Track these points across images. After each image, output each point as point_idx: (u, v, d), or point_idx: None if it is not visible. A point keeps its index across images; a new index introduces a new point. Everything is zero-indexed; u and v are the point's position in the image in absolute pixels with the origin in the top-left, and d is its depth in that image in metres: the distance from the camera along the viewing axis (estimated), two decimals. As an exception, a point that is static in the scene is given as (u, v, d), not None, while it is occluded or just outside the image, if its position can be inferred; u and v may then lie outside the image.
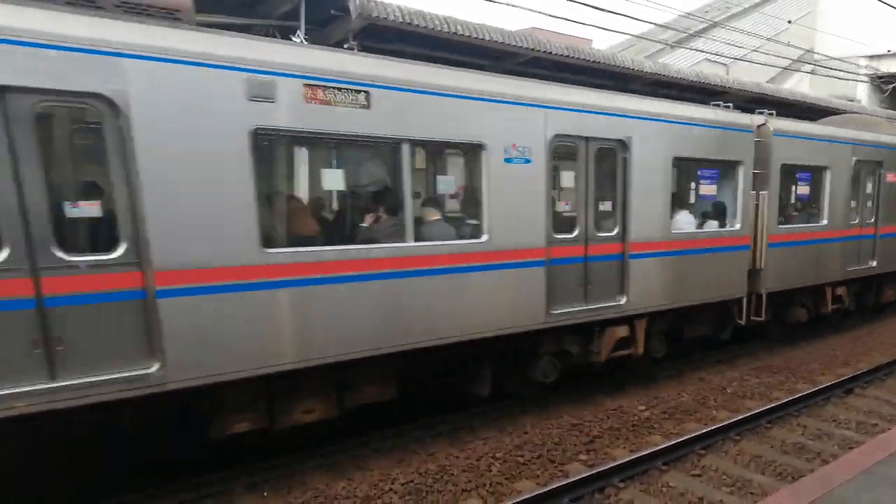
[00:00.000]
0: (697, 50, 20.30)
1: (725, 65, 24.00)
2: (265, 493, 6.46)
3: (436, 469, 6.95)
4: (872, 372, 10.48)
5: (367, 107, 6.22)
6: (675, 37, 22.61)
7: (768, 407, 8.60)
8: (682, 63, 20.98)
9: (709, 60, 22.59)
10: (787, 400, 8.88)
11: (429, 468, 6.97)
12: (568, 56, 12.63)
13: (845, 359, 11.68)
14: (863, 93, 27.26)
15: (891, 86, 26.26)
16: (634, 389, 9.73)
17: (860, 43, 25.80)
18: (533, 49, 11.98)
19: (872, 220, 13.28)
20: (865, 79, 26.79)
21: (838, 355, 11.92)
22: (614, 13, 13.13)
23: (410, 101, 6.53)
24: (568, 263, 8.11)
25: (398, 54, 8.14)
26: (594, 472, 6.61)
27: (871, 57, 26.61)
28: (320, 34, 10.22)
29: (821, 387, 9.53)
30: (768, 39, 21.65)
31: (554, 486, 6.27)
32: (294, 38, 9.17)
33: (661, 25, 19.85)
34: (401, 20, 10.02)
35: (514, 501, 5.98)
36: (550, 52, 12.26)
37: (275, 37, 9.26)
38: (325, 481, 6.70)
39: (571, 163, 8.28)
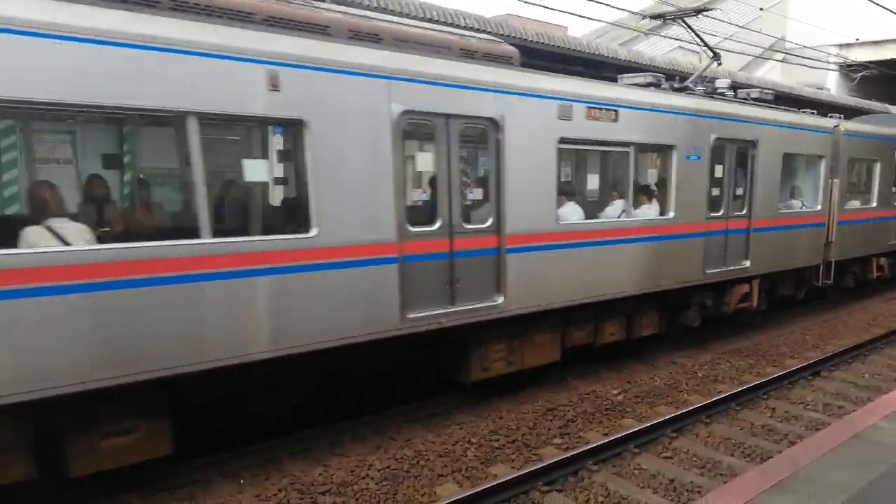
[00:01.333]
0: (671, 38, 20.41)
1: (698, 53, 24.16)
2: (241, 481, 6.46)
3: (412, 455, 7.00)
4: (840, 355, 10.72)
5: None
6: (649, 24, 22.72)
7: (738, 390, 8.77)
8: (655, 51, 21.11)
9: (682, 48, 22.75)
10: (756, 383, 9.06)
11: (405, 454, 7.01)
12: (542, 43, 12.66)
13: (814, 342, 11.94)
14: (832, 81, 27.66)
15: (859, 74, 26.66)
16: (608, 374, 9.86)
17: (830, 31, 26.14)
18: (508, 36, 11.99)
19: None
20: (835, 67, 27.15)
21: (807, 339, 12.17)
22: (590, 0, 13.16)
23: None
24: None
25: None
26: (568, 455, 6.70)
27: (841, 45, 27.00)
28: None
29: (789, 370, 9.74)
30: (741, 27, 21.84)
31: (528, 470, 6.35)
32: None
33: (635, 13, 19.93)
34: (375, 5, 9.97)
35: (489, 485, 6.05)
36: (525, 39, 12.28)
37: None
38: (302, 468, 6.72)
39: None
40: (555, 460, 6.58)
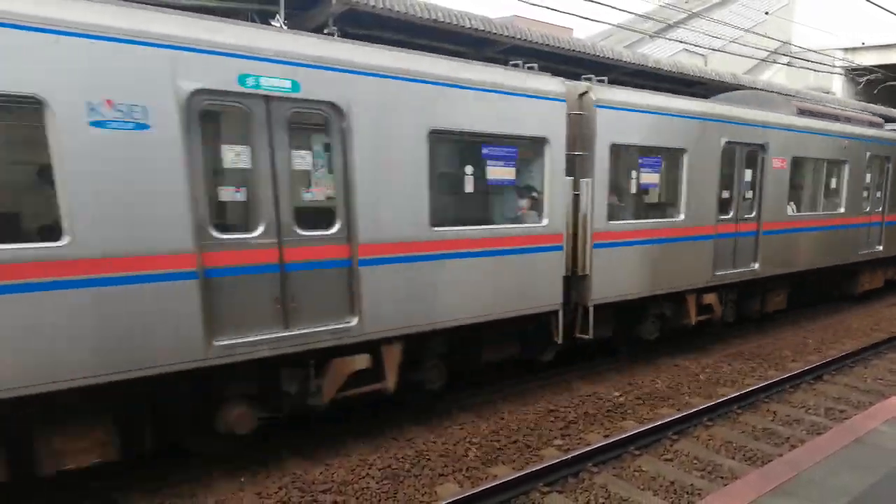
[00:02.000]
0: (676, 40, 20.43)
1: (703, 55, 24.19)
2: (242, 479, 6.49)
3: (413, 454, 7.01)
4: (841, 360, 10.70)
5: None
6: (654, 27, 22.73)
7: (740, 393, 8.76)
8: (660, 53, 21.11)
9: (687, 51, 22.76)
10: (758, 386, 9.05)
11: (406, 454, 7.03)
12: (547, 45, 12.67)
13: (816, 346, 11.92)
14: (838, 85, 27.62)
15: (865, 78, 26.62)
16: (610, 375, 9.87)
17: (836, 35, 26.11)
18: (513, 37, 12.00)
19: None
20: (841, 71, 27.12)
21: (809, 343, 12.15)
22: (596, 2, 13.18)
23: None
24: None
25: (376, 40, 8.09)
26: (568, 456, 6.71)
27: (847, 49, 26.96)
28: (300, 18, 10.17)
29: (791, 374, 9.72)
30: (746, 31, 21.84)
31: (529, 471, 6.36)
32: (273, 23, 9.10)
33: (641, 15, 19.95)
34: (381, 6, 9.99)
35: (490, 485, 6.06)
36: (530, 41, 12.29)
37: (253, 21, 9.19)
38: (304, 467, 6.74)
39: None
40: (555, 461, 6.58)
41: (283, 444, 7.13)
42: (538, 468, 6.43)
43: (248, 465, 6.73)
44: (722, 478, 6.63)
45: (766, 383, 9.21)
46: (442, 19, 10.83)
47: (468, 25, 11.24)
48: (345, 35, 7.48)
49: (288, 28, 8.23)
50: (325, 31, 7.00)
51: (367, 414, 7.89)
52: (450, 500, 5.78)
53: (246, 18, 9.40)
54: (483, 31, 11.49)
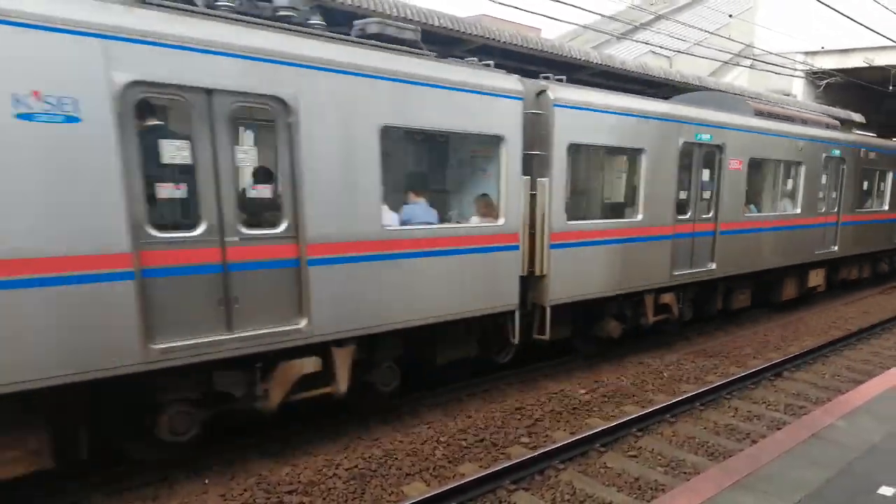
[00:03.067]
0: (642, 42, 20.68)
1: (669, 57, 24.51)
2: (206, 481, 6.42)
3: (380, 454, 7.00)
4: (801, 356, 10.96)
5: None
6: (621, 28, 22.98)
7: (703, 390, 8.92)
8: (627, 54, 21.36)
9: (653, 53, 23.05)
10: (720, 383, 9.23)
11: (373, 453, 7.01)
12: (515, 44, 12.73)
13: (776, 344, 12.18)
14: (798, 88, 28.18)
15: (824, 81, 27.22)
16: (577, 373, 9.97)
17: (797, 39, 26.65)
18: (482, 36, 12.04)
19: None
20: (801, 74, 27.69)
21: (770, 340, 12.42)
22: (563, 3, 13.27)
23: None
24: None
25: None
26: (535, 454, 6.76)
27: (807, 53, 27.50)
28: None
29: (752, 370, 9.93)
30: (710, 33, 22.18)
31: (496, 469, 6.40)
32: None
33: (608, 17, 20.13)
34: (350, 2, 9.95)
35: (457, 484, 6.08)
36: (499, 40, 12.34)
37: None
38: (269, 467, 6.69)
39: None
40: (522, 459, 6.63)
41: (249, 445, 7.06)
42: (505, 466, 6.47)
43: (212, 466, 6.66)
44: (685, 473, 6.75)
45: (727, 380, 9.40)
46: (410, 17, 10.82)
47: (436, 24, 11.25)
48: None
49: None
50: None
51: (334, 414, 7.86)
52: (417, 500, 5.78)
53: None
54: (452, 29, 11.52)
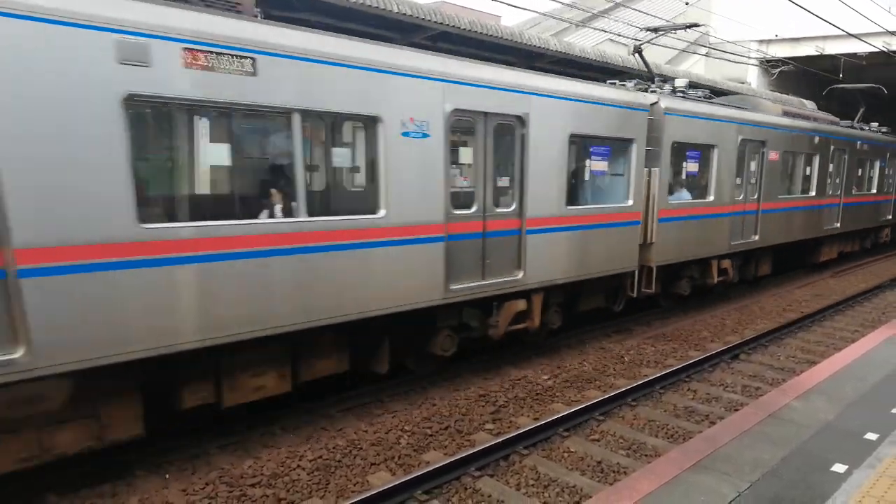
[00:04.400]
0: (601, 30, 20.79)
1: (627, 45, 24.71)
2: (167, 475, 6.30)
3: (344, 444, 6.96)
4: (757, 339, 11.22)
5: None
6: (580, 16, 23.06)
7: (662, 374, 9.08)
8: (586, 42, 21.46)
9: (612, 41, 23.20)
10: (679, 367, 9.40)
11: (337, 444, 6.97)
12: (476, 31, 12.69)
13: (733, 327, 12.45)
14: (753, 76, 28.68)
15: (778, 69, 27.75)
16: (539, 360, 10.04)
17: (751, 27, 27.11)
18: (442, 23, 11.96)
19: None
20: (755, 62, 28.19)
21: (727, 324, 12.69)
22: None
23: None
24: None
25: (304, 23, 7.94)
26: (499, 440, 6.80)
27: (761, 41, 27.99)
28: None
29: (710, 353, 10.14)
30: (667, 22, 22.41)
31: (461, 456, 6.42)
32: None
33: (567, 4, 20.18)
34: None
35: (422, 472, 6.08)
36: (459, 27, 12.28)
37: None
38: (231, 461, 6.60)
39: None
40: (486, 445, 6.66)
41: (211, 439, 6.95)
42: (470, 453, 6.49)
43: (173, 460, 6.54)
44: (646, 455, 6.86)
45: (686, 363, 9.58)
46: (370, 3, 10.70)
47: (397, 10, 11.14)
48: (268, 18, 7.27)
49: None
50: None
51: (298, 405, 7.79)
52: (382, 489, 5.77)
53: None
54: (413, 16, 11.41)
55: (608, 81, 11.32)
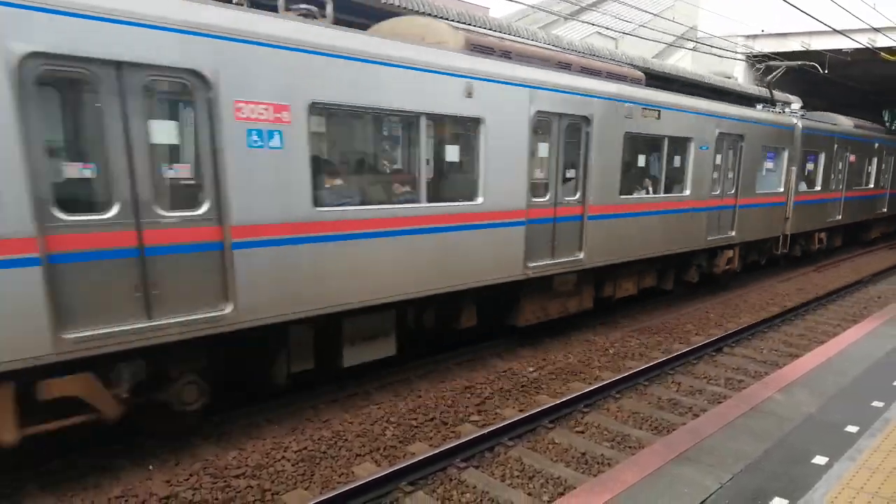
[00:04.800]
0: (589, 23, 20.82)
1: (615, 39, 24.74)
2: (151, 467, 6.26)
3: (330, 435, 6.95)
4: (740, 332, 11.32)
5: None
6: (568, 9, 23.05)
7: (647, 366, 9.13)
8: (574, 35, 21.46)
9: (599, 34, 23.21)
10: (663, 359, 9.46)
11: (323, 435, 6.96)
12: (462, 23, 12.62)
13: (717, 320, 12.54)
14: (739, 71, 28.81)
15: (764, 65, 27.90)
16: (525, 351, 10.07)
17: (738, 22, 27.20)
18: (430, 14, 11.90)
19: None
20: (742, 57, 28.30)
21: (711, 317, 12.78)
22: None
23: None
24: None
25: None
26: (484, 432, 6.82)
27: (748, 36, 28.10)
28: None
29: (694, 346, 10.21)
30: (655, 15, 22.47)
31: (446, 447, 6.43)
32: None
33: (555, -3, 20.19)
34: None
35: (407, 463, 6.09)
36: (446, 18, 12.21)
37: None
38: (215, 452, 6.57)
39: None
40: (472, 437, 6.68)
41: (193, 430, 6.91)
42: (455, 444, 6.51)
43: (157, 451, 6.50)
44: (630, 447, 6.90)
45: (670, 356, 9.64)
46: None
47: (384, 0, 11.07)
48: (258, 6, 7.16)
49: None
50: (234, 1, 6.66)
51: (282, 396, 7.76)
52: (367, 480, 5.77)
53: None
54: (398, 6, 11.35)
55: (762, 106, 16.60)
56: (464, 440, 6.61)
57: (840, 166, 19.21)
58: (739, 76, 28.43)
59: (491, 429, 6.90)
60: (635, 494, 4.92)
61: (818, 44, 24.99)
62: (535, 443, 6.98)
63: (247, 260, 6.15)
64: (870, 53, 23.14)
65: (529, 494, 5.95)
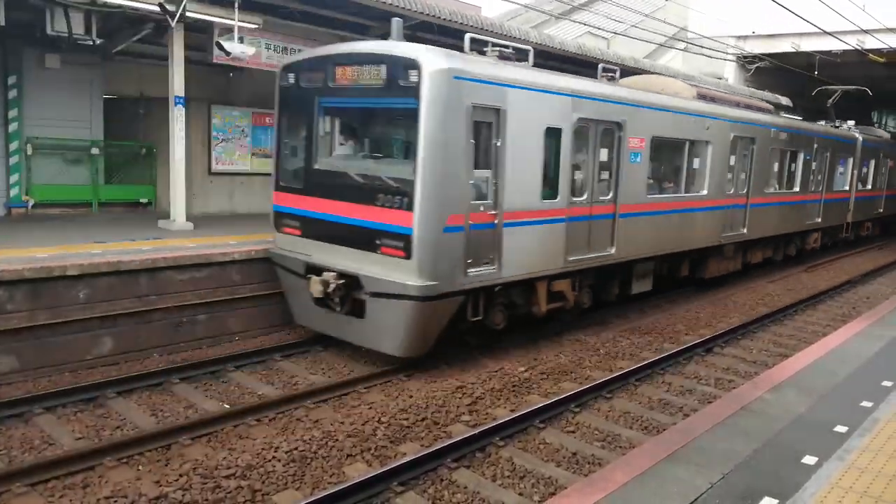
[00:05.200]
0: (581, 23, 20.85)
1: (606, 39, 24.79)
2: (140, 468, 6.22)
3: (321, 436, 6.92)
4: (730, 332, 11.37)
5: None
6: (559, 8, 23.07)
7: (638, 366, 9.16)
8: (565, 35, 21.48)
9: (591, 34, 23.26)
10: (654, 359, 9.49)
11: (313, 435, 6.93)
12: (456, 21, 12.63)
13: (707, 320, 12.59)
14: (730, 71, 28.95)
15: (754, 65, 28.02)
16: (516, 351, 10.07)
17: (729, 23, 27.33)
18: (421, 13, 11.89)
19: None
20: (733, 58, 28.43)
21: (701, 317, 12.83)
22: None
23: None
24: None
25: (281, 9, 7.79)
26: (475, 432, 6.82)
27: (738, 37, 28.24)
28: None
29: (685, 346, 10.25)
30: (646, 16, 22.53)
31: (437, 448, 6.42)
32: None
33: (547, -4, 20.21)
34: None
35: (398, 464, 6.07)
36: (438, 17, 12.21)
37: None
38: (205, 452, 6.53)
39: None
40: (463, 437, 6.67)
41: (183, 430, 6.87)
42: (446, 444, 6.50)
43: (146, 451, 6.45)
44: (621, 447, 6.91)
45: (661, 356, 9.67)
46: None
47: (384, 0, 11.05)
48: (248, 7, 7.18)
49: None
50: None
51: (272, 397, 7.73)
52: (358, 480, 5.75)
53: None
54: (391, 4, 11.32)
55: (827, 122, 21.00)
56: (455, 440, 6.61)
57: (883, 170, 24.37)
58: (730, 77, 28.57)
59: (482, 429, 6.90)
60: (626, 494, 4.92)
61: (808, 45, 25.15)
62: (526, 443, 6.98)
63: (625, 225, 11.14)
64: (858, 55, 23.29)
65: (520, 494, 5.95)
